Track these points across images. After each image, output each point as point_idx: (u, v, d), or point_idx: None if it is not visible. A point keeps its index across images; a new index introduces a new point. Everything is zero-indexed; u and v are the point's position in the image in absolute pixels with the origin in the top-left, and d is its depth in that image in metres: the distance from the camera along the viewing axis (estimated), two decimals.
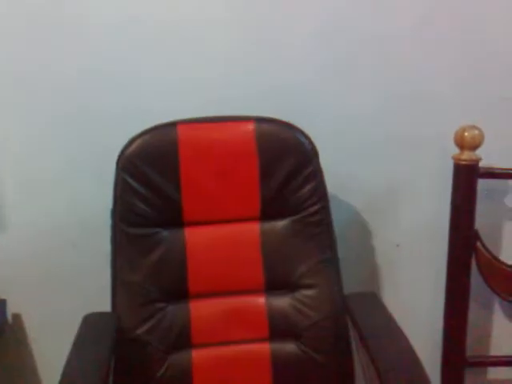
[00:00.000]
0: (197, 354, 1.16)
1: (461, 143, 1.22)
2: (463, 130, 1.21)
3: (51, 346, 1.30)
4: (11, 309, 1.35)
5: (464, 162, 1.23)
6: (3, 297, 1.34)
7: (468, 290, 1.30)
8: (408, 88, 1.32)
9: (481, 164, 1.25)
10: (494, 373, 1.49)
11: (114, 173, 1.15)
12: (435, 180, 1.36)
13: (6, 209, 1.31)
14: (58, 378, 0.93)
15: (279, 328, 1.18)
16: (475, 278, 1.32)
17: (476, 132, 1.20)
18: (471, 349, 1.37)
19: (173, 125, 1.16)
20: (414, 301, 1.42)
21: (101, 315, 1.13)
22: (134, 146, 1.14)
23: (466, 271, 1.29)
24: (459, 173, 1.24)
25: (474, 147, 1.22)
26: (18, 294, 1.34)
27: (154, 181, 1.14)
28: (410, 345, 0.98)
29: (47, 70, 1.26)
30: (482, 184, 1.27)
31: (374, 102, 1.32)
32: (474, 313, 1.35)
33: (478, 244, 1.30)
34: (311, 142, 1.16)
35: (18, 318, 1.36)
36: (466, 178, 1.24)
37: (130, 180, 1.14)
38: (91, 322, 1.10)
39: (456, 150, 1.25)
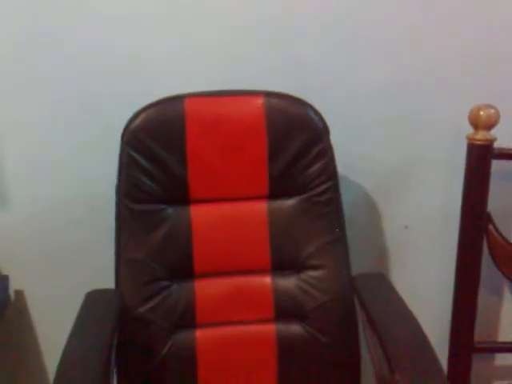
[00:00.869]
0: (201, 334, 1.14)
1: (475, 122, 1.19)
2: (478, 108, 1.18)
3: (54, 322, 1.28)
4: (14, 285, 1.34)
5: (478, 142, 1.20)
6: (6, 273, 1.32)
7: (478, 274, 1.28)
8: (421, 66, 1.28)
9: (495, 145, 1.21)
10: (503, 359, 1.47)
11: (119, 147, 1.12)
12: (447, 161, 1.33)
13: (9, 186, 1.29)
14: (59, 353, 0.91)
15: (285, 309, 1.16)
16: (486, 262, 1.29)
17: (492, 111, 1.17)
18: (479, 334, 1.34)
19: (180, 98, 1.13)
20: (423, 284, 1.40)
21: (104, 292, 1.11)
22: (139, 120, 1.11)
23: (477, 254, 1.27)
24: (473, 153, 1.21)
25: (490, 126, 1.18)
26: (20, 270, 1.33)
27: (160, 156, 1.12)
28: (419, 327, 0.96)
29: (50, 48, 1.23)
30: (495, 165, 1.23)
31: (385, 79, 1.29)
32: (483, 297, 1.33)
33: (490, 227, 1.27)
34: (322, 119, 1.14)
35: (20, 295, 1.35)
36: (480, 159, 1.21)
37: (134, 154, 1.11)
38: (94, 299, 1.09)
39: (469, 131, 1.22)
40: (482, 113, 1.17)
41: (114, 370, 1.07)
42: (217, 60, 1.26)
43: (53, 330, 1.25)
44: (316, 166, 1.14)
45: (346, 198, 1.19)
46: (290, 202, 1.16)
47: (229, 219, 1.16)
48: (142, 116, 1.11)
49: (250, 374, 1.16)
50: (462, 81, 1.29)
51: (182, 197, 1.14)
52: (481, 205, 1.25)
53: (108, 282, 1.13)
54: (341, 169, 1.18)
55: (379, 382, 1.05)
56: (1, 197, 1.30)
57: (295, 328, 1.15)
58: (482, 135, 1.20)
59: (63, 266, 1.33)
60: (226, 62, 1.26)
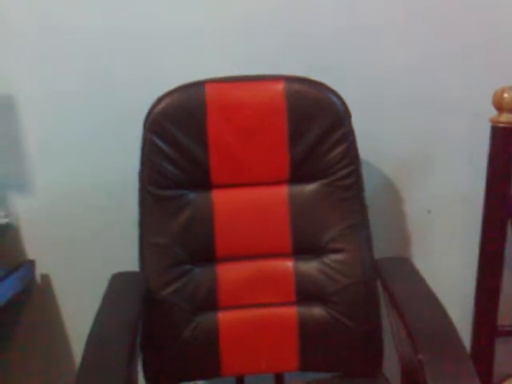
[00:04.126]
0: (223, 316, 1.16)
1: (499, 105, 1.18)
2: (502, 91, 1.17)
3: (79, 305, 1.30)
4: (40, 269, 1.36)
5: (502, 125, 1.19)
6: (32, 257, 1.35)
7: (502, 258, 1.27)
8: (444, 48, 1.27)
9: None
10: None
11: (142, 133, 1.13)
12: (470, 144, 1.32)
13: (34, 172, 1.32)
14: (86, 336, 0.92)
15: (307, 292, 1.17)
16: (509, 245, 1.28)
17: None
18: (503, 318, 1.33)
19: (201, 84, 1.13)
20: (446, 268, 1.39)
21: (129, 274, 1.13)
22: (161, 106, 1.12)
23: (501, 237, 1.26)
24: (497, 136, 1.20)
25: None
26: (46, 254, 1.35)
27: (182, 141, 1.13)
28: (443, 308, 0.96)
29: (73, 32, 1.25)
30: None
31: (408, 62, 1.28)
32: (506, 281, 1.32)
33: None
34: (344, 103, 1.13)
35: (46, 279, 1.38)
36: (504, 141, 1.20)
37: (156, 140, 1.12)
38: (120, 281, 1.10)
39: (493, 114, 1.20)
40: (506, 95, 1.16)
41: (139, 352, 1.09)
42: (238, 43, 1.26)
43: (79, 313, 1.27)
44: (337, 151, 1.14)
45: (368, 182, 1.18)
46: (312, 187, 1.16)
47: (250, 204, 1.17)
48: (164, 102, 1.12)
49: (272, 356, 1.17)
50: (485, 63, 1.27)
51: (203, 182, 1.15)
52: (505, 187, 1.24)
53: (133, 265, 1.15)
54: (362, 153, 1.17)
55: (403, 363, 1.05)
56: (26, 182, 1.32)
57: (317, 311, 1.16)
58: (505, 118, 1.18)
59: (88, 250, 1.35)
60: (248, 45, 1.26)
